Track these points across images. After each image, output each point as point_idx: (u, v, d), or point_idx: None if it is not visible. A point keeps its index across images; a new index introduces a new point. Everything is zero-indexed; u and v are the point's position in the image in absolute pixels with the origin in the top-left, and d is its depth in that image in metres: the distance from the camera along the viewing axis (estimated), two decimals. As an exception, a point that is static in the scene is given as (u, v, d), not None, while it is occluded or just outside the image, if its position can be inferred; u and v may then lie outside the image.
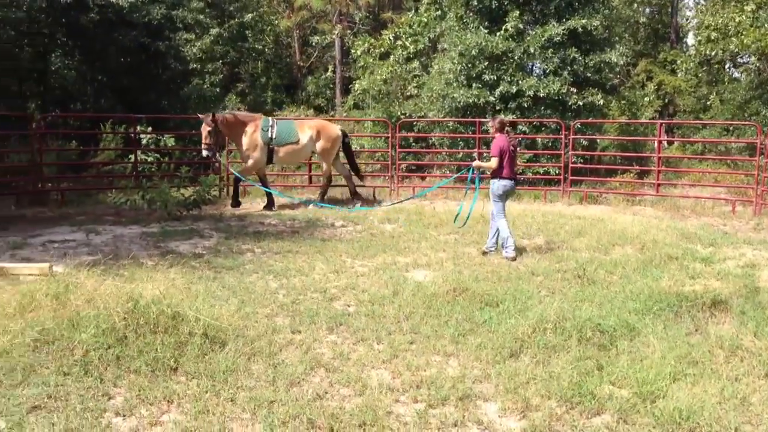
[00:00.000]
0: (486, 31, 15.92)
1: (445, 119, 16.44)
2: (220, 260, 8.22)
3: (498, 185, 8.70)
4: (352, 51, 20.85)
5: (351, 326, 5.85)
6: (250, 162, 12.55)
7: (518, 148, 9.29)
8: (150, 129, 15.59)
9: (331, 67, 24.31)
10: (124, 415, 4.15)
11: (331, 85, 23.96)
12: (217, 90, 21.88)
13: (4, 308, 5.60)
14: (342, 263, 8.22)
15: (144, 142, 15.34)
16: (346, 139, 13.34)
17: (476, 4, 16.44)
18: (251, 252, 8.85)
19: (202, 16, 20.35)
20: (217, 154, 12.85)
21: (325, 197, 13.31)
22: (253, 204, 13.36)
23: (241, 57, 23.18)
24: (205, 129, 12.07)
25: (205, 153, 12.30)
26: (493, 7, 16.25)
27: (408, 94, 18.88)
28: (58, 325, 5.17)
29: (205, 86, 21.25)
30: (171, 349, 4.94)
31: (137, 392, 4.40)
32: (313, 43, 24.41)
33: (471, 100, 15.62)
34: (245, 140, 12.47)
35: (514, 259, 8.49)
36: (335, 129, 13.30)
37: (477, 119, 15.14)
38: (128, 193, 12.38)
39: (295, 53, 25.22)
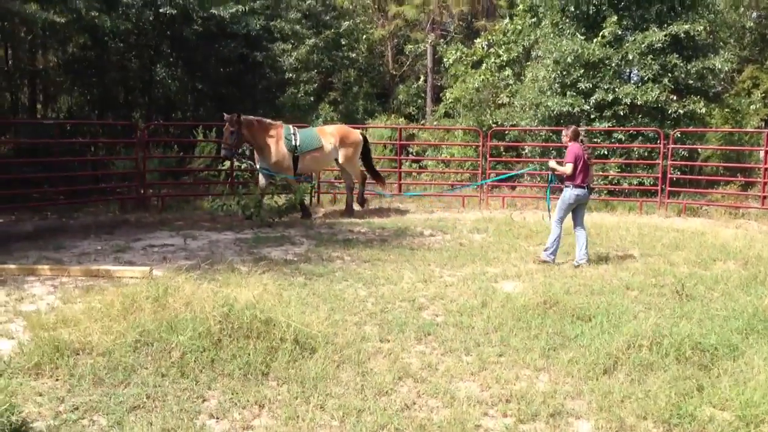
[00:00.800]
0: (582, 37, 15.56)
1: (538, 128, 16.17)
2: (311, 267, 8.35)
3: (570, 193, 8.67)
4: (444, 59, 20.83)
5: (439, 336, 5.82)
6: (284, 173, 12.29)
7: (592, 158, 9.18)
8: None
9: (422, 76, 24.37)
10: (217, 418, 4.25)
11: (422, 94, 24.01)
12: (311, 99, 22.30)
13: (108, 309, 5.85)
14: (430, 273, 8.19)
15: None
16: (367, 145, 13.34)
17: (573, 10, 16.11)
18: (341, 259, 8.95)
19: (298, 27, 20.80)
20: (236, 156, 12.69)
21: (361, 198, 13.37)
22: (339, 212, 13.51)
23: (335, 66, 23.54)
24: (228, 129, 11.84)
25: (223, 153, 12.20)
26: (591, 13, 15.87)
27: (500, 102, 18.67)
28: (158, 327, 5.36)
29: (300, 95, 21.70)
30: (263, 354, 5.04)
31: (230, 396, 4.51)
32: (406, 52, 24.54)
33: (565, 109, 15.30)
34: (272, 150, 12.11)
35: (545, 262, 8.66)
36: (357, 134, 13.27)
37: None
38: (223, 199, 12.76)
39: (388, 62, 25.42)
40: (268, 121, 12.54)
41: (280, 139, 12.17)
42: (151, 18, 17.45)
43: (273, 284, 6.96)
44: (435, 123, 20.75)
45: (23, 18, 13.75)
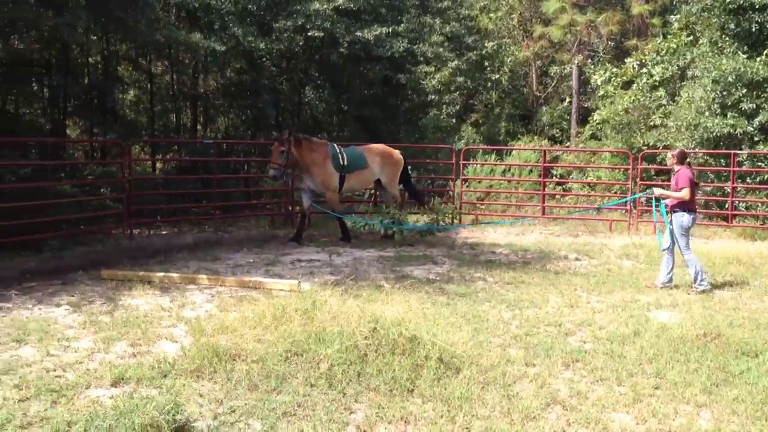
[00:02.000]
0: (744, 56, 14.62)
1: (695, 150, 15.32)
2: (453, 287, 8.32)
3: (688, 218, 8.41)
4: (592, 80, 20.25)
5: (588, 364, 5.59)
6: (330, 193, 11.98)
7: (699, 182, 8.82)
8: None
9: (567, 97, 23.82)
10: (364, 431, 4.30)
11: (567, 116, 23.43)
12: (453, 120, 22.37)
13: (260, 319, 6.11)
14: (577, 298, 7.92)
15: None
16: (406, 165, 13.05)
17: (733, 27, 15.19)
18: (483, 280, 8.85)
19: (441, 50, 20.97)
20: (284, 177, 12.23)
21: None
22: (484, 233, 13.40)
23: (477, 87, 23.50)
24: (278, 149, 11.39)
25: (272, 173, 11.51)
26: (753, 30, 14.90)
27: (651, 123, 17.86)
28: (307, 339, 5.52)
29: (442, 117, 21.83)
30: (408, 371, 5.06)
31: (377, 410, 4.55)
32: (551, 73, 24.09)
33: (726, 130, 14.38)
34: (319, 169, 11.71)
35: (704, 292, 8.15)
36: (399, 154, 12.97)
37: (732, 151, 13.92)
38: (366, 217, 13.00)
39: (532, 83, 25.05)
40: (314, 139, 12.40)
41: (327, 157, 11.77)
42: (301, 42, 18.22)
43: (416, 302, 7.02)
44: (581, 145, 20.17)
45: (188, 46, 14.78)
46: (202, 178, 14.80)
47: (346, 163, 11.87)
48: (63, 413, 4.27)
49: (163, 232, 13.00)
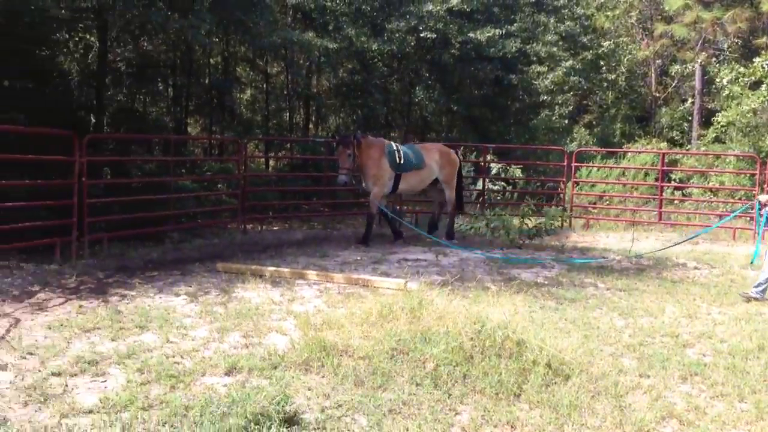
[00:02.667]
0: None
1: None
2: (562, 292, 8.11)
3: None
4: (717, 80, 19.24)
5: (708, 378, 5.30)
6: (375, 189, 11.50)
7: None
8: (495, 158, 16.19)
9: (690, 98, 22.72)
10: (469, 433, 4.26)
11: (688, 117, 22.36)
12: (565, 121, 21.86)
13: (367, 316, 6.17)
14: (696, 308, 7.53)
15: (494, 171, 15.95)
16: (460, 167, 12.57)
17: None
18: (594, 286, 8.58)
19: (555, 49, 20.55)
20: (353, 181, 11.56)
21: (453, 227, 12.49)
22: (596, 238, 13.01)
23: (592, 88, 22.84)
24: (344, 152, 10.95)
25: (341, 180, 11.04)
26: None
27: (781, 126, 16.79)
28: (413, 338, 5.53)
29: (554, 118, 21.38)
30: (515, 375, 4.97)
31: (482, 412, 4.49)
32: (672, 73, 23.05)
33: None
34: (373, 164, 11.28)
35: (754, 299, 7.78)
36: (455, 154, 12.49)
37: None
38: (474, 220, 12.89)
39: (651, 83, 24.06)
40: (372, 137, 12.07)
41: (383, 155, 11.37)
42: (413, 43, 18.33)
43: (524, 306, 6.89)
44: (703, 148, 19.20)
45: (302, 46, 15.17)
46: (313, 176, 15.15)
47: (402, 161, 11.47)
48: (181, 398, 4.46)
49: (275, 228, 13.40)
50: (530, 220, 12.65)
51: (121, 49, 14.76)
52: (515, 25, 19.50)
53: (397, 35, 17.38)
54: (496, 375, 4.97)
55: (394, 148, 11.49)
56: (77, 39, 13.67)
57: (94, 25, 12.26)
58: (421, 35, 17.44)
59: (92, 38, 13.73)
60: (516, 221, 12.44)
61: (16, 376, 4.83)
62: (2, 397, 4.44)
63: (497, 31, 17.91)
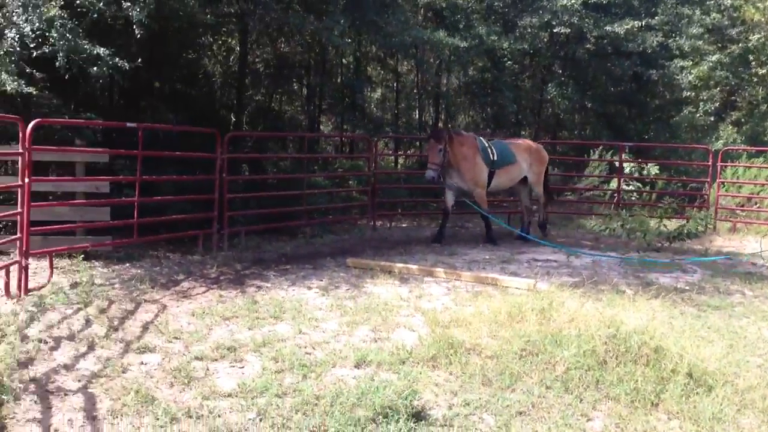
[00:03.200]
0: None
1: None
2: (704, 298, 7.66)
3: None
4: None
5: None
6: (478, 190, 10.99)
7: None
8: (631, 157, 15.54)
9: None
10: (602, 440, 4.12)
11: None
12: (710, 119, 20.63)
13: (496, 315, 6.11)
14: None
15: (627, 170, 15.32)
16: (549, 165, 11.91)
17: None
18: (741, 294, 8.05)
19: (700, 43, 19.44)
20: (440, 177, 10.88)
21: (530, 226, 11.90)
22: (743, 242, 12.20)
23: (740, 83, 21.41)
24: (435, 147, 10.56)
25: (429, 175, 10.57)
26: None
27: None
28: (542, 339, 5.41)
29: (698, 115, 20.23)
30: (652, 383, 4.75)
31: (617, 420, 4.32)
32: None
33: None
34: (469, 164, 10.83)
35: None
36: (544, 150, 11.83)
37: None
38: (608, 220, 12.43)
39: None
40: (462, 131, 11.58)
41: (476, 151, 10.93)
42: (545, 39, 17.92)
43: (662, 311, 6.58)
44: None
45: (433, 45, 15.19)
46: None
47: (495, 157, 11.06)
48: (312, 387, 4.59)
49: (403, 225, 13.53)
50: (669, 221, 12.06)
51: (260, 51, 15.39)
52: (656, 18, 18.59)
53: (529, 31, 17.05)
54: (632, 382, 4.77)
55: (486, 143, 11.16)
56: (220, 42, 14.40)
57: (236, 29, 12.85)
58: (555, 30, 17.01)
59: (234, 41, 14.41)
60: (653, 223, 11.90)
61: (163, 359, 5.15)
62: (151, 378, 4.75)
63: (636, 23, 17.15)
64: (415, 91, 19.88)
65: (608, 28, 16.77)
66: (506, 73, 18.43)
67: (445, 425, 4.18)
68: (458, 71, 19.18)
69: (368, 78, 18.81)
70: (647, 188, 15.68)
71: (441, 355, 5.26)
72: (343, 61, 17.87)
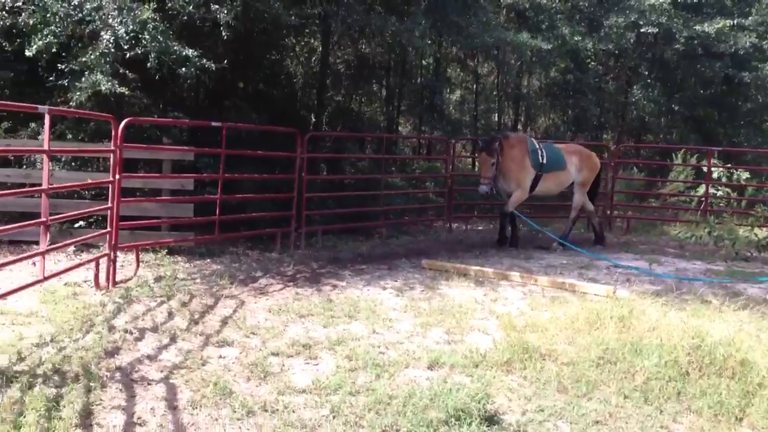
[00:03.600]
0: None
1: None
2: (797, 311, 7.29)
3: None
4: None
5: None
6: (519, 192, 10.48)
7: None
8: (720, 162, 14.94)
9: None
10: (682, 455, 3.98)
11: None
12: (808, 123, 19.69)
13: (573, 322, 5.99)
14: None
15: (715, 176, 14.74)
16: (600, 174, 11.30)
17: None
18: (838, 308, 7.62)
19: (797, 42, 18.56)
20: (493, 191, 10.34)
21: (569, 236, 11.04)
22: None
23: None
24: (488, 161, 10.06)
25: (483, 190, 10.12)
26: None
27: None
28: (621, 348, 5.27)
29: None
30: (737, 397, 4.55)
31: (698, 434, 4.18)
32: None
33: None
34: (516, 166, 10.37)
35: None
36: (596, 157, 11.15)
37: None
38: (693, 227, 12.00)
39: None
40: (511, 134, 11.05)
41: (526, 154, 10.45)
42: (632, 40, 17.45)
43: (750, 323, 6.29)
44: None
45: (515, 46, 15.02)
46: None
47: (545, 161, 10.56)
48: (385, 386, 4.61)
49: (479, 228, 13.41)
50: (760, 230, 11.53)
51: (341, 51, 15.57)
52: (750, 18, 17.82)
53: (614, 32, 16.63)
54: (716, 395, 4.59)
55: (537, 146, 10.68)
56: (303, 43, 14.65)
57: (318, 30, 13.05)
58: (642, 30, 16.54)
59: (316, 42, 14.63)
60: (743, 231, 11.40)
61: (241, 353, 5.28)
62: (229, 371, 4.87)
63: (728, 22, 16.50)
64: (494, 92, 19.72)
65: (698, 28, 16.20)
66: (589, 74, 18.04)
67: (519, 431, 4.12)
68: (540, 73, 18.91)
69: (447, 79, 18.77)
70: (736, 194, 15.04)
71: (515, 359, 5.19)
72: (423, 62, 17.89)
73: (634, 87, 18.60)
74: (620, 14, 16.20)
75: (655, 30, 16.26)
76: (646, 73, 18.78)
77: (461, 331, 6.07)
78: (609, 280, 8.55)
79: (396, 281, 8.10)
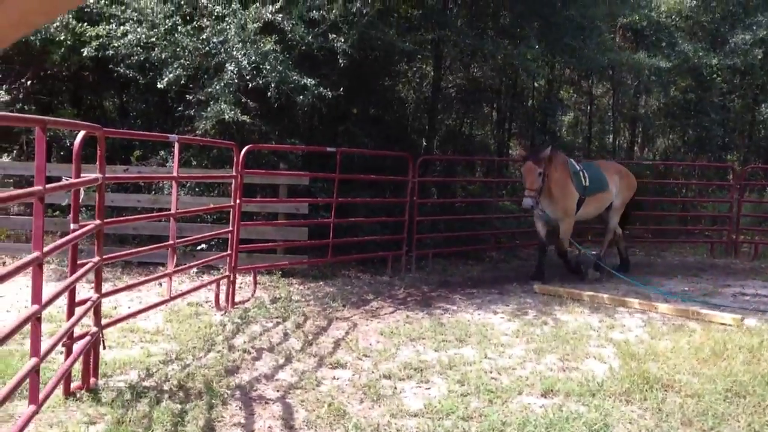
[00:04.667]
0: None
1: None
2: None
3: None
4: None
5: None
6: (567, 221, 9.49)
7: None
8: None
9: None
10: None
11: None
12: None
13: (697, 351, 5.71)
14: None
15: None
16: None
17: None
18: None
19: None
20: (538, 205, 9.21)
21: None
22: None
23: None
24: (534, 171, 8.94)
25: (527, 203, 8.94)
26: None
27: None
28: (751, 380, 4.99)
29: None
30: None
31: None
32: None
33: None
34: (561, 191, 9.29)
35: None
36: (634, 177, 10.31)
37: None
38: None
39: None
40: (560, 151, 9.99)
41: (568, 176, 9.43)
42: (759, 56, 16.54)
43: None
44: None
45: (631, 66, 14.59)
46: (637, 201, 14.42)
47: (588, 183, 9.61)
48: (498, 413, 4.55)
49: (593, 252, 13.01)
50: None
51: (452, 76, 15.65)
52: None
53: (741, 48, 15.83)
54: None
55: (578, 167, 9.73)
56: (415, 69, 14.83)
57: (430, 56, 13.18)
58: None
59: (428, 67, 14.77)
60: None
61: (353, 375, 5.36)
62: (343, 392, 4.96)
63: None
64: (609, 113, 19.18)
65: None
66: (713, 93, 17.22)
67: (639, 464, 3.96)
68: (658, 92, 18.23)
69: (560, 101, 18.43)
70: None
71: (635, 389, 5.00)
72: (535, 84, 17.67)
73: (762, 105, 17.58)
74: (747, 30, 15.42)
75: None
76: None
77: (576, 358, 5.91)
78: (736, 308, 8.10)
79: (508, 306, 8.00)
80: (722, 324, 7.11)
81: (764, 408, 4.63)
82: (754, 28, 15.21)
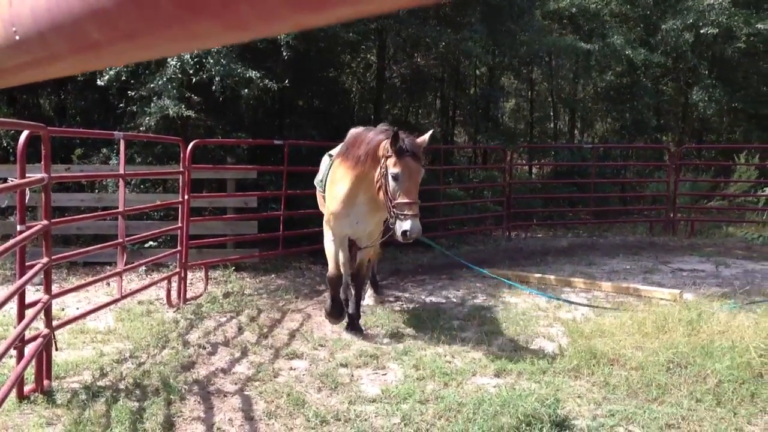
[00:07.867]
0: None
1: None
2: None
3: None
4: None
5: None
6: None
7: None
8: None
9: None
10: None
11: None
12: None
13: (640, 326, 5.94)
14: None
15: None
16: None
17: None
18: None
19: None
20: None
21: None
22: None
23: None
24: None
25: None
26: None
27: None
28: (691, 351, 5.22)
29: None
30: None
31: (775, 436, 4.12)
32: None
33: None
34: None
35: None
36: None
37: None
38: (761, 227, 11.71)
39: None
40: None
41: None
42: (690, 41, 17.11)
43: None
44: None
45: (568, 52, 14.94)
46: (578, 183, 14.83)
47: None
48: (454, 395, 4.68)
49: (539, 235, 13.34)
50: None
51: (397, 66, 15.74)
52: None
53: (672, 33, 16.35)
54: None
55: None
56: (359, 59, 14.86)
57: (374, 46, 13.23)
58: (701, 31, 16.21)
59: (372, 57, 14.83)
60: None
61: (310, 365, 5.42)
62: (300, 382, 5.02)
63: (790, 18, 16.02)
64: (549, 99, 19.58)
65: (760, 25, 15.79)
66: (646, 77, 17.76)
67: (589, 436, 4.14)
68: (594, 78, 18.70)
69: (501, 88, 18.72)
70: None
71: (583, 365, 5.20)
72: (477, 72, 17.91)
73: (694, 87, 18.22)
74: (677, 16, 15.92)
75: (715, 30, 15.91)
76: (706, 72, 18.37)
77: (526, 339, 6.10)
78: (675, 284, 8.44)
79: (458, 291, 8.17)
80: (662, 299, 7.41)
81: (704, 377, 4.87)
82: (685, 13, 15.72)
